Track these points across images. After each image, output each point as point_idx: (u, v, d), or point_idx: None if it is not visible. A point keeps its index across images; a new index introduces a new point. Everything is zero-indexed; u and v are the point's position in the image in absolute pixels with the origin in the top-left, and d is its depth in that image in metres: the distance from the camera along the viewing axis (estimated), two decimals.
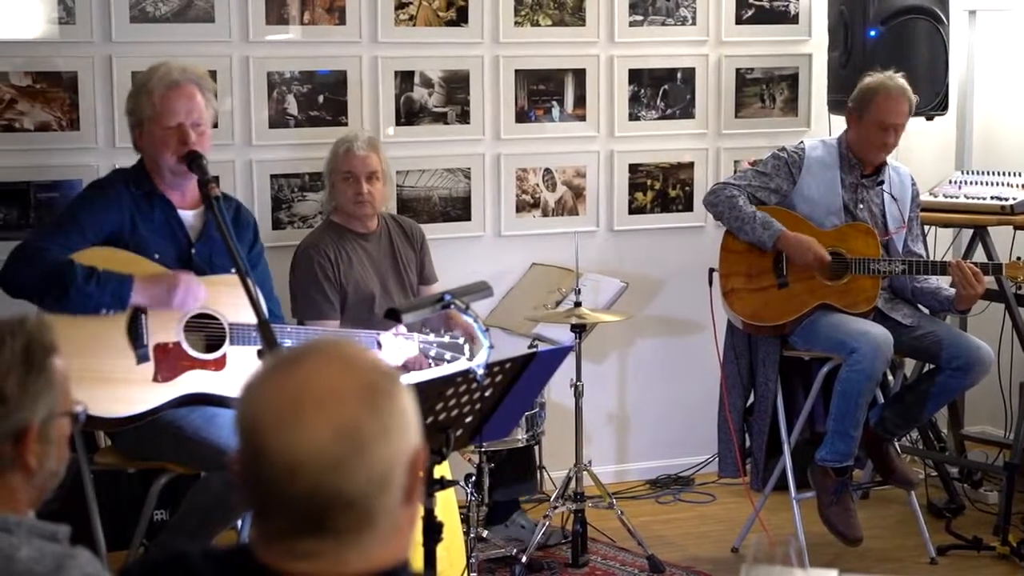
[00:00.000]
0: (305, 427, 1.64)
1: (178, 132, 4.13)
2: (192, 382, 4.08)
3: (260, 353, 3.10)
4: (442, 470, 3.41)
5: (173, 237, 4.19)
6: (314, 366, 1.69)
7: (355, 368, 1.70)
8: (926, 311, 5.23)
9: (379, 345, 4.30)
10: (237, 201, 4.52)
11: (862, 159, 5.09)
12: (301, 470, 1.63)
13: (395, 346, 4.30)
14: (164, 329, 4.07)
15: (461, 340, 4.39)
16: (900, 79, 5.06)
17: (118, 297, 3.97)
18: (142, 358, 4.03)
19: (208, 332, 4.13)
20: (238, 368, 4.10)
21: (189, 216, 4.25)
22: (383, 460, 1.67)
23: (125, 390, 3.99)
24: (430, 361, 4.38)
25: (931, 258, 5.34)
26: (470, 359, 4.34)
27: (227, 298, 4.13)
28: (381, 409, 1.68)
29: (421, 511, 1.83)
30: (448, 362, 4.34)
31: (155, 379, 4.04)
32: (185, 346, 4.08)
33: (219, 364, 4.12)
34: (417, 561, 2.93)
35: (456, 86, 5.70)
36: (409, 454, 1.71)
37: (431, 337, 4.37)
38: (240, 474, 1.70)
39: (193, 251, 4.20)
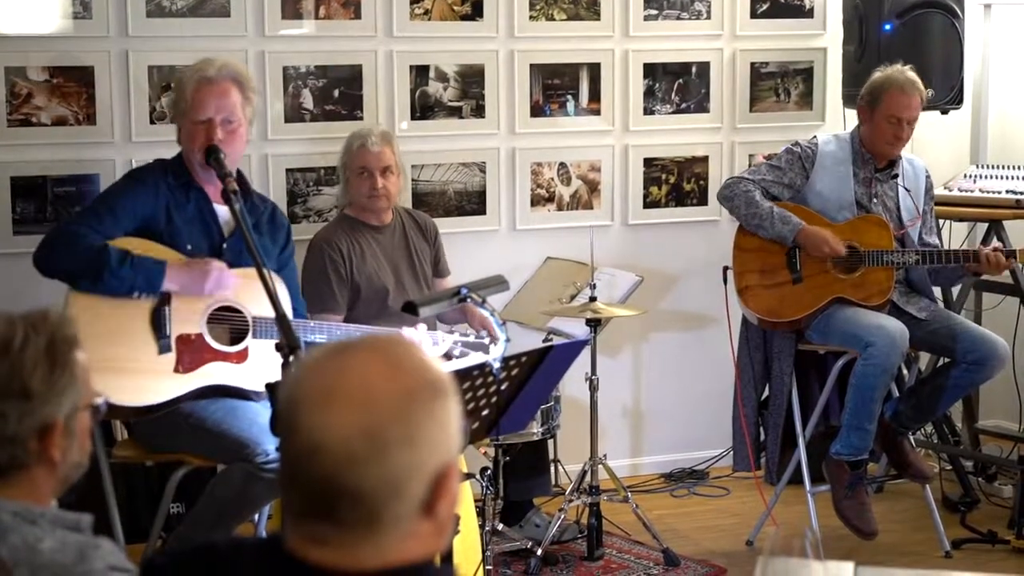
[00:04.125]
0: (330, 415, 1.65)
1: (206, 128, 4.14)
2: (213, 374, 4.09)
3: (278, 347, 3.10)
4: (458, 463, 3.42)
5: (206, 230, 4.22)
6: (361, 360, 1.70)
7: (401, 372, 1.69)
8: (940, 304, 5.24)
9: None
10: (273, 203, 4.53)
11: (876, 154, 5.09)
12: (319, 455, 1.65)
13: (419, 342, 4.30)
14: (187, 320, 4.08)
15: (487, 340, 4.38)
16: (909, 72, 5.06)
17: (150, 281, 4.00)
18: (164, 348, 4.05)
19: (231, 325, 4.15)
20: (260, 361, 4.11)
21: (223, 211, 4.23)
22: (400, 467, 1.66)
23: (146, 380, 4.02)
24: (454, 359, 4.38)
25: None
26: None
27: (252, 291, 4.13)
28: (411, 418, 1.67)
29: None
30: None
31: (176, 369, 4.06)
32: (207, 338, 4.10)
33: (241, 357, 4.14)
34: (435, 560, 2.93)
35: (471, 80, 5.71)
36: (434, 469, 1.69)
37: (456, 336, 4.37)
38: (280, 444, 1.73)
39: (225, 245, 4.22)
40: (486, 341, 4.37)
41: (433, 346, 4.33)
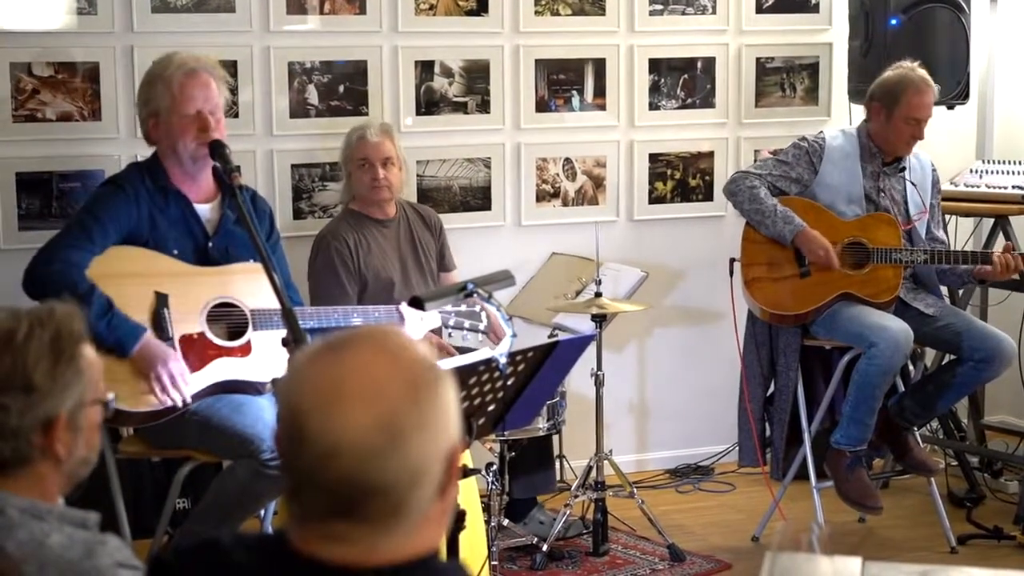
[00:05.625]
0: (345, 413, 1.65)
1: (197, 119, 4.14)
2: (220, 370, 4.09)
3: (285, 342, 3.10)
4: (464, 459, 3.42)
5: (190, 232, 4.20)
6: (361, 354, 1.70)
7: (401, 360, 1.70)
8: (947, 299, 5.23)
9: (401, 317, 4.31)
10: (252, 190, 4.51)
11: (888, 151, 5.08)
12: (337, 455, 1.65)
13: (416, 318, 4.30)
14: (187, 320, 4.08)
15: (477, 308, 4.40)
16: (921, 70, 5.06)
17: (122, 345, 3.96)
18: None
19: (230, 320, 4.15)
20: (263, 353, 4.12)
21: (205, 210, 4.26)
22: (419, 453, 1.68)
23: None
24: (449, 331, 4.39)
25: (951, 245, 5.34)
26: (486, 327, 4.36)
27: (246, 285, 4.14)
28: (422, 403, 1.68)
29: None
30: (468, 330, 4.35)
31: None
32: (209, 335, 4.10)
33: (245, 350, 4.14)
34: (440, 550, 2.93)
35: (476, 76, 5.70)
36: (446, 449, 1.72)
37: (449, 307, 4.37)
38: (280, 453, 1.72)
39: (210, 245, 4.21)
40: (477, 308, 4.38)
41: (427, 313, 4.30)
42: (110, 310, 3.95)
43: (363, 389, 1.66)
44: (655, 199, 6.05)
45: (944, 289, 5.35)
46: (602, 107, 5.91)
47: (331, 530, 1.69)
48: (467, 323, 4.36)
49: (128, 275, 4.06)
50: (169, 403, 3.98)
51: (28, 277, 4.00)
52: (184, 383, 4.00)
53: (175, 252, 4.14)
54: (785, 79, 6.18)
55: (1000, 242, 5.53)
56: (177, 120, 4.16)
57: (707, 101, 6.07)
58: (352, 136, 5.06)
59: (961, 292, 5.63)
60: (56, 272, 3.94)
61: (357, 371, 1.68)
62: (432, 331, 4.46)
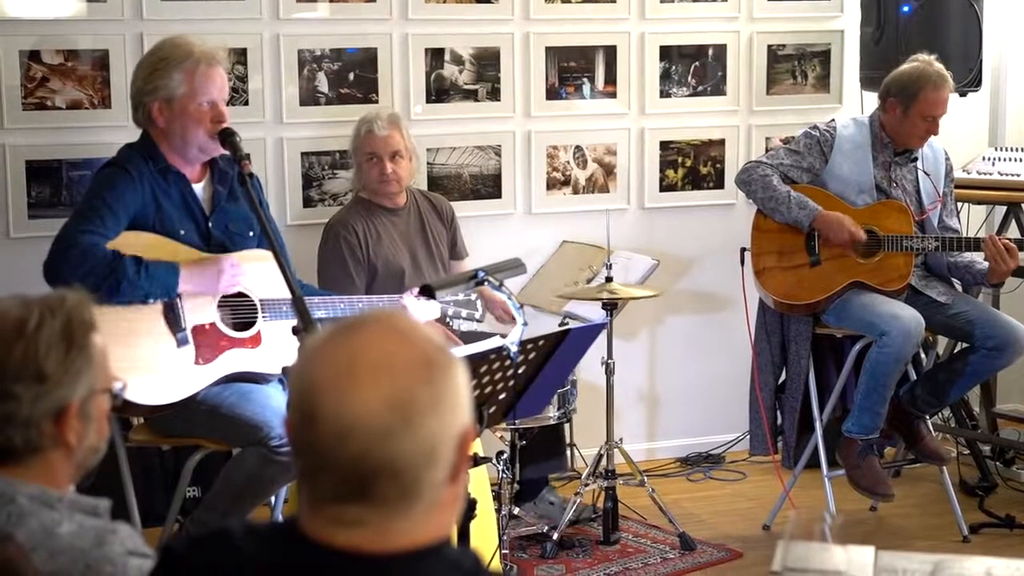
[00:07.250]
0: (359, 392, 1.65)
1: (212, 109, 4.12)
2: (231, 361, 4.07)
3: (295, 330, 3.09)
4: (474, 447, 3.42)
5: (190, 212, 4.17)
6: (372, 334, 1.70)
7: (412, 340, 1.71)
8: (960, 288, 5.21)
9: (404, 308, 4.30)
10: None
11: (900, 143, 5.06)
12: (351, 434, 1.65)
13: (418, 309, 4.29)
14: (199, 311, 4.05)
15: (474, 297, 4.38)
16: (938, 64, 5.02)
17: (166, 287, 3.95)
18: (182, 342, 4.00)
19: (239, 310, 4.13)
20: (274, 343, 4.10)
21: (199, 188, 4.23)
22: (432, 433, 1.68)
23: (168, 375, 3.96)
24: (448, 320, 4.38)
25: (965, 234, 5.32)
26: (481, 316, 4.36)
27: (254, 274, 4.11)
28: (435, 382, 1.69)
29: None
30: (464, 319, 4.34)
31: (197, 362, 4.02)
32: (221, 326, 4.08)
33: (255, 341, 4.12)
34: (452, 537, 2.93)
35: (486, 63, 5.69)
36: (459, 431, 1.72)
37: (447, 297, 4.36)
38: (292, 437, 1.72)
39: (210, 224, 4.19)
40: (473, 297, 4.36)
41: (428, 304, 4.29)
42: (142, 262, 3.93)
43: (375, 368, 1.67)
44: (666, 187, 6.03)
45: None
46: (613, 95, 5.90)
47: (343, 514, 1.69)
48: (464, 312, 4.36)
49: None
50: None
51: (50, 267, 3.92)
52: (241, 268, 4.06)
53: (182, 233, 4.11)
54: (796, 66, 6.15)
55: (1012, 229, 5.51)
56: (194, 109, 4.12)
57: (718, 88, 6.05)
58: (360, 129, 5.04)
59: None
60: (79, 258, 3.89)
61: (369, 350, 1.68)
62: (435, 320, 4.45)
